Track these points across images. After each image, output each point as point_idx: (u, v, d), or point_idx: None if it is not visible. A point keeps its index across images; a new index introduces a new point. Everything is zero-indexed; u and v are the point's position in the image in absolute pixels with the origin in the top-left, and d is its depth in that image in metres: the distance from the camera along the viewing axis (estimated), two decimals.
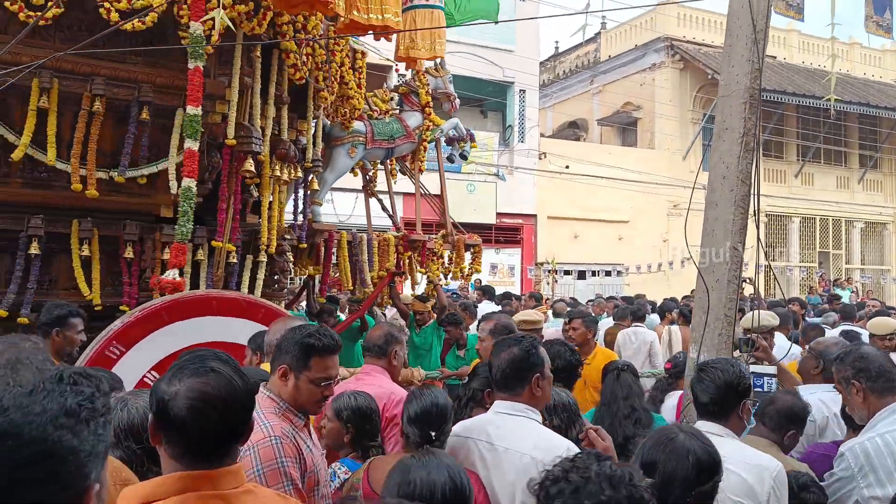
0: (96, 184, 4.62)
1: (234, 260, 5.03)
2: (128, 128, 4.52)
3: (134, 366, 4.04)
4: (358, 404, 3.10)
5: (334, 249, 5.80)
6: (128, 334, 4.05)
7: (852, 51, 23.88)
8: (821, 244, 23.56)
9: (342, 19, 4.36)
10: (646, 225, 21.63)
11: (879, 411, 2.75)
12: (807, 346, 5.04)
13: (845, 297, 18.15)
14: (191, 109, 4.18)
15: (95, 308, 4.73)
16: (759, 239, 4.15)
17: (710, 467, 2.00)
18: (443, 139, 6.59)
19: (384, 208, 6.84)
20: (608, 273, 22.32)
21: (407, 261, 6.15)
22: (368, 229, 6.47)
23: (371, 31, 4.51)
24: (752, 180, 3.86)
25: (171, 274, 4.25)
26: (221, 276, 5.04)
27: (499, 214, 19.90)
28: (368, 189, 6.75)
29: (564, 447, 2.36)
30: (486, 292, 9.82)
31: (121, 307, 4.78)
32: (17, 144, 4.35)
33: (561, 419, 2.99)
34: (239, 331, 4.27)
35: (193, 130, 4.17)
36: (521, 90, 21.10)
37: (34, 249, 4.53)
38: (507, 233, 20.34)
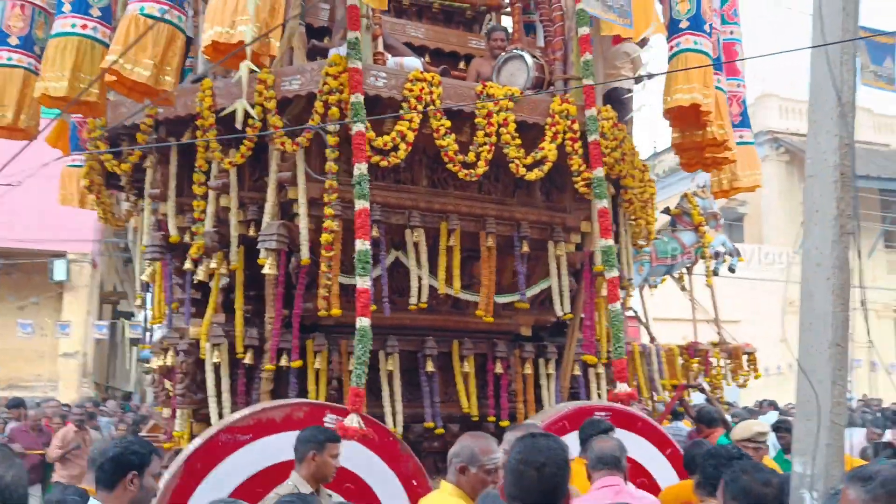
0: (471, 307, 5.83)
1: (578, 372, 6.13)
2: (508, 258, 5.75)
3: None
4: None
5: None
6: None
7: None
8: None
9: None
10: (760, 325, 22.26)
11: None
12: None
13: None
14: (604, 241, 5.49)
15: (472, 419, 5.82)
16: (868, 334, 4.02)
17: None
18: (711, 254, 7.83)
19: (638, 319, 7.98)
20: None
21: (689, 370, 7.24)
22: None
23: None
24: (856, 267, 3.69)
25: (622, 387, 5.39)
26: (567, 388, 6.13)
27: None
28: (625, 302, 7.91)
29: None
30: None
31: (488, 418, 5.87)
32: (420, 276, 5.55)
33: None
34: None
35: (610, 260, 5.42)
36: None
37: (430, 367, 5.68)
38: None
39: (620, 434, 5.22)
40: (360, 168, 5.05)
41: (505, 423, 5.84)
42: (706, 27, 5.78)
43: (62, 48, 4.90)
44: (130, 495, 3.09)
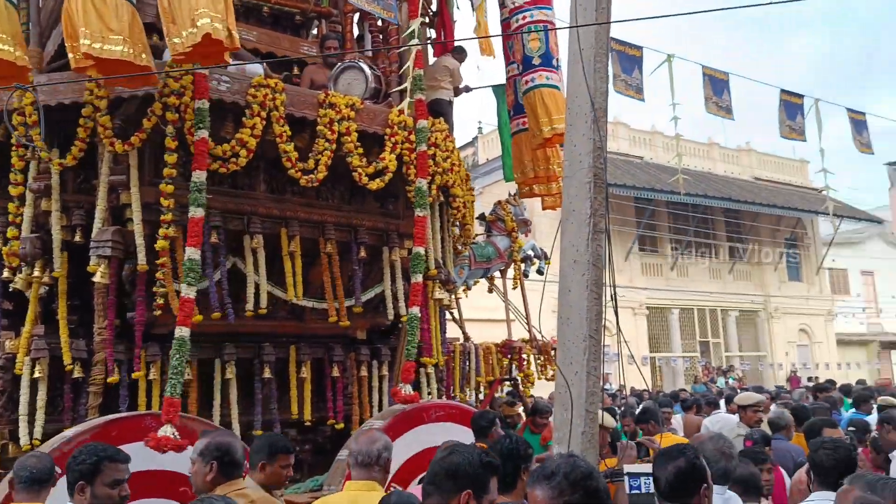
0: (308, 312, 6.01)
1: None
2: (345, 264, 5.98)
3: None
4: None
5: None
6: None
7: (712, 150, 28.83)
8: (700, 334, 27.50)
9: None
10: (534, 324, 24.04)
11: None
12: None
13: (720, 384, 21.59)
14: (417, 249, 5.81)
15: (306, 423, 5.99)
16: (618, 327, 4.36)
17: None
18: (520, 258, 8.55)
19: (455, 320, 8.48)
20: None
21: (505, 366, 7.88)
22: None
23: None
24: (606, 263, 3.98)
25: (406, 388, 5.70)
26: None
27: None
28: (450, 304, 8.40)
29: None
30: None
31: (328, 422, 6.08)
32: (258, 282, 5.64)
33: None
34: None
35: (419, 266, 5.78)
36: None
37: (267, 373, 5.77)
38: None
39: (451, 427, 5.68)
40: (199, 176, 5.06)
41: (340, 426, 6.09)
42: (555, 62, 6.56)
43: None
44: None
